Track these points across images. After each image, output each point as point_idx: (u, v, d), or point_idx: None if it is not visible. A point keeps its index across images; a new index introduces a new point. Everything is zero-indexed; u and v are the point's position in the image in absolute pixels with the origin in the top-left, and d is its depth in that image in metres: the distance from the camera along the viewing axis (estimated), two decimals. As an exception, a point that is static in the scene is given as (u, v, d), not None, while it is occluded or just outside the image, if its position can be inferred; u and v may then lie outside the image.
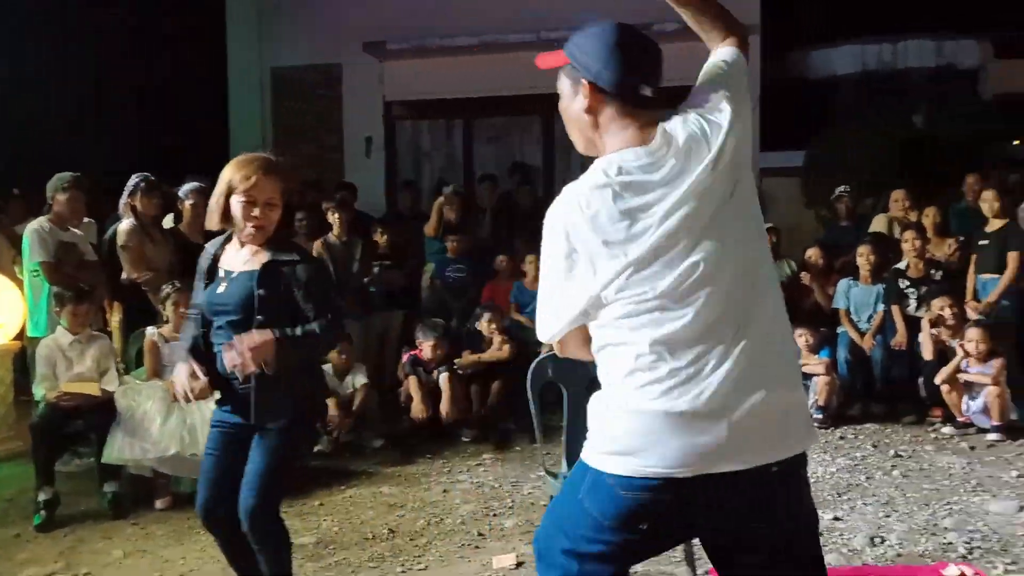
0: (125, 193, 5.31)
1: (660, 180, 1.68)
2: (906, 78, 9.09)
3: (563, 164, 9.39)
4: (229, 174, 2.70)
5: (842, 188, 7.45)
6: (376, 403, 5.72)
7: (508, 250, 7.27)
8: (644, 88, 1.75)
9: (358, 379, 5.53)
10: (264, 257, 2.71)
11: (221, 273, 2.76)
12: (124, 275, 5.24)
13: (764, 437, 1.66)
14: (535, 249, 8.82)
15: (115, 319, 5.48)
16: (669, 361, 1.65)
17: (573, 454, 3.35)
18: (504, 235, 7.89)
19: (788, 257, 7.11)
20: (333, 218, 6.35)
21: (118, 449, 4.30)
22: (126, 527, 4.21)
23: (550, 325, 1.76)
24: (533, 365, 3.38)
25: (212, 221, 2.75)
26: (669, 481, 1.65)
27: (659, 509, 1.69)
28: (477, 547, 3.83)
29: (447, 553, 3.76)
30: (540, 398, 3.33)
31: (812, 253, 6.73)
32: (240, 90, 9.73)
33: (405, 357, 5.76)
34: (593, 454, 1.75)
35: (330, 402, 4.95)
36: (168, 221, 5.74)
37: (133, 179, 5.34)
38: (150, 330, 4.76)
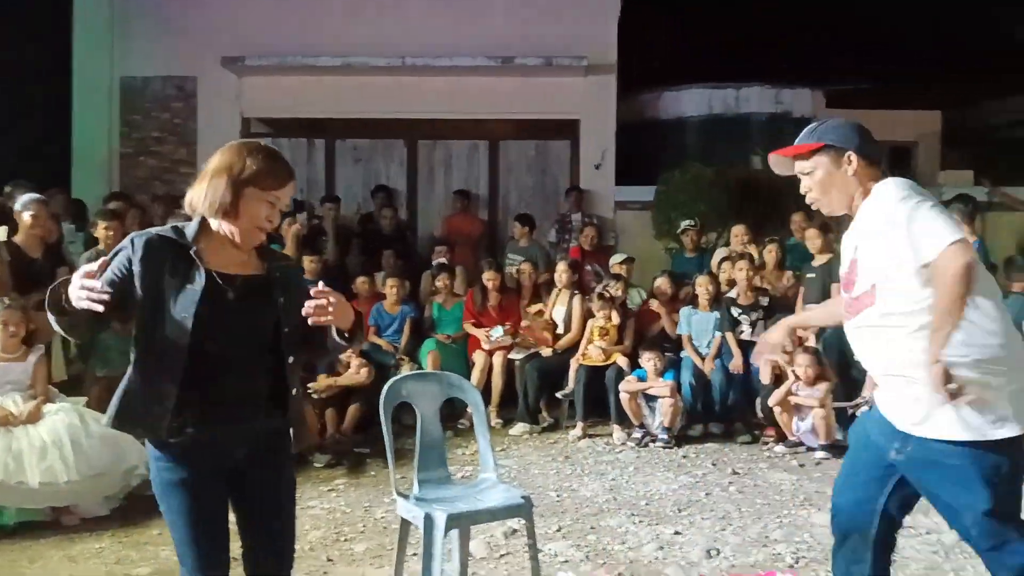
0: (-48, 203, 4.95)
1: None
2: (747, 122, 9.75)
3: (427, 188, 9.47)
4: (255, 164, 2.23)
5: (688, 222, 7.91)
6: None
7: (368, 272, 7.24)
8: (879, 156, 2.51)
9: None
10: (256, 260, 2.34)
11: (208, 277, 2.20)
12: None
13: None
14: (396, 272, 8.70)
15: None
16: None
17: (425, 475, 3.37)
18: (366, 257, 7.85)
19: (639, 285, 7.46)
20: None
21: (-68, 478, 3.96)
22: (-62, 563, 3.86)
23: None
24: (387, 385, 3.38)
25: (208, 209, 2.23)
26: None
27: None
28: (325, 572, 3.76)
29: (294, 579, 3.66)
30: (398, 421, 3.33)
31: (660, 282, 7.08)
32: (86, 99, 9.24)
33: (257, 380, 5.59)
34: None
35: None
36: (2, 234, 5.39)
37: (-38, 189, 4.99)
38: (-26, 349, 4.41)
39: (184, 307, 2.17)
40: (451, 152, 9.43)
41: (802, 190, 2.57)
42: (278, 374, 2.33)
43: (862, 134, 2.51)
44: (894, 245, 2.33)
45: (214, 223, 2.27)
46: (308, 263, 6.93)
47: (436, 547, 3.04)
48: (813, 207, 2.59)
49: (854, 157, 2.45)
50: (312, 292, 2.21)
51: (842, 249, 2.65)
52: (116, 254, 2.21)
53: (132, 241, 2.21)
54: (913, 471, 2.44)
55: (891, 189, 2.42)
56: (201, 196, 2.25)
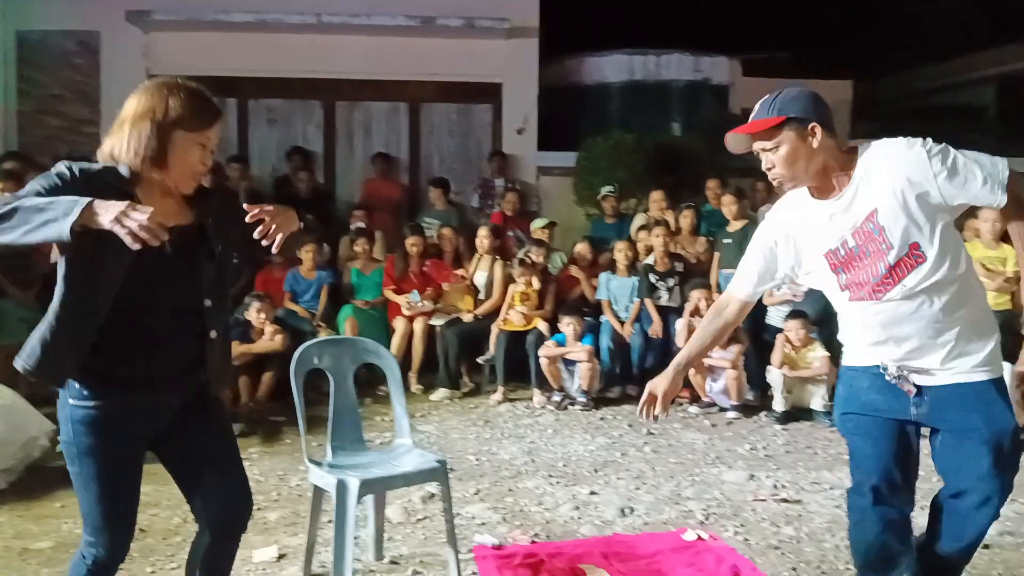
0: None
1: None
2: (667, 89, 9.83)
3: (345, 151, 9.27)
4: (179, 105, 2.09)
5: (608, 188, 7.96)
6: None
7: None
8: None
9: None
10: (187, 208, 2.20)
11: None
12: None
13: None
14: (314, 237, 8.42)
15: None
16: None
17: (339, 441, 3.32)
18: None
19: (560, 250, 7.49)
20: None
21: None
22: None
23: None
24: (299, 351, 3.31)
25: (134, 159, 2.07)
26: None
27: None
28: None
29: (205, 550, 3.57)
30: (317, 388, 3.23)
31: (580, 247, 7.13)
32: (-23, 54, 8.71)
33: (166, 348, 5.41)
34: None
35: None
36: None
37: None
38: None
39: (116, 260, 1.99)
40: (371, 114, 9.24)
41: (764, 167, 2.41)
42: (203, 332, 2.23)
43: (821, 103, 2.39)
44: (943, 189, 2.26)
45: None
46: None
47: (349, 513, 3.01)
48: (775, 183, 2.44)
49: (818, 129, 2.33)
50: (248, 218, 2.15)
51: (814, 234, 2.44)
52: (47, 176, 1.98)
53: (69, 168, 2.01)
54: (936, 418, 2.42)
55: (900, 145, 2.33)
56: (123, 146, 2.07)
